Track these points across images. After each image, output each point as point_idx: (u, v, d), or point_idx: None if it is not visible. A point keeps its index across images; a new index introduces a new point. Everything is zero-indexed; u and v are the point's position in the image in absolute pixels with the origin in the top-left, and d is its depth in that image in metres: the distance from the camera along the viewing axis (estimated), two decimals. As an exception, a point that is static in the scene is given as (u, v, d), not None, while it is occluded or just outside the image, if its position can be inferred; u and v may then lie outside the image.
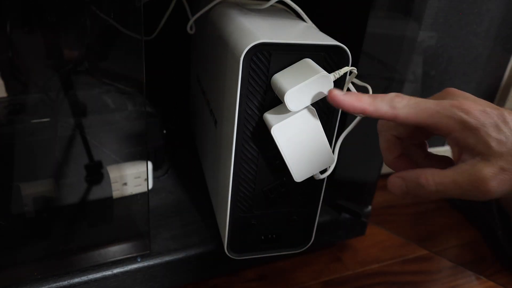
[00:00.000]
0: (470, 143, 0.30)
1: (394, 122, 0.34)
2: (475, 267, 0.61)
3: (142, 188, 0.52)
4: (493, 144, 0.30)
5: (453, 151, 0.32)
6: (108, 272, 0.44)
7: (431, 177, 0.32)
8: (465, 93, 0.33)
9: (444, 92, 0.34)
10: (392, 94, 0.33)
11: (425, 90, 0.75)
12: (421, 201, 0.75)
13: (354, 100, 0.33)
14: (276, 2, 0.46)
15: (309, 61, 0.36)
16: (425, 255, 0.62)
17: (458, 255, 0.63)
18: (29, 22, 0.41)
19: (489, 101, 0.32)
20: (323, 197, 0.46)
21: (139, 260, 0.46)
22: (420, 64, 0.72)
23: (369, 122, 0.37)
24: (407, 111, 0.32)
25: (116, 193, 0.51)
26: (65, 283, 0.43)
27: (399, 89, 0.50)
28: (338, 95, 0.33)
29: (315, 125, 0.37)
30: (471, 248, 0.65)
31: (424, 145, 0.37)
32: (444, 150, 0.80)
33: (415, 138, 0.36)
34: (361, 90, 0.38)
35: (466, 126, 0.30)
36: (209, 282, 0.52)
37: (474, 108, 0.31)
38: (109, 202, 0.50)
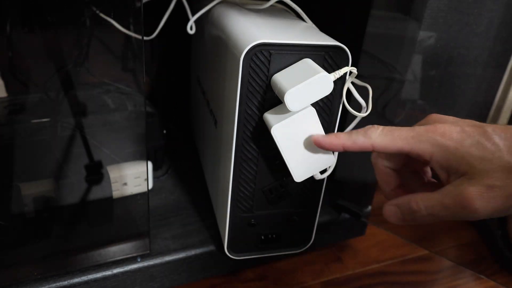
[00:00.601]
0: (453, 165, 0.31)
1: (373, 151, 0.35)
2: (475, 267, 0.61)
3: (142, 188, 0.52)
4: (476, 162, 0.30)
5: (440, 175, 0.32)
6: (108, 272, 0.44)
7: (420, 201, 0.32)
8: (447, 117, 0.33)
9: (426, 119, 0.34)
10: (367, 126, 0.34)
11: (425, 90, 0.75)
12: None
13: (333, 139, 0.35)
14: (276, 2, 0.46)
15: (309, 61, 0.36)
16: (425, 255, 0.62)
17: (458, 255, 0.63)
18: (29, 22, 0.42)
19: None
20: (323, 197, 0.46)
21: (139, 260, 0.46)
22: (420, 64, 0.72)
23: (369, 122, 0.37)
24: (381, 140, 0.33)
25: (116, 193, 0.51)
26: (65, 283, 0.43)
27: (399, 89, 0.50)
28: (319, 138, 0.36)
29: (315, 125, 0.37)
30: (471, 248, 0.65)
31: (424, 173, 0.37)
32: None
33: (410, 166, 0.37)
34: (361, 90, 0.38)
35: (444, 149, 0.31)
36: (209, 282, 0.52)
37: (450, 130, 0.31)
38: (109, 202, 0.50)
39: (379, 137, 0.33)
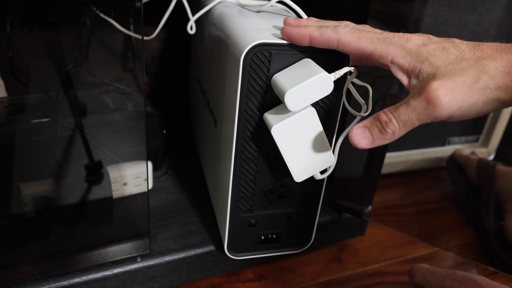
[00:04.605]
0: (415, 66, 0.31)
1: (338, 48, 0.35)
2: (476, 266, 0.61)
3: (142, 188, 0.52)
4: (440, 64, 0.30)
5: (401, 80, 0.33)
6: (108, 272, 0.44)
7: (388, 111, 0.32)
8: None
9: None
10: (339, 22, 0.35)
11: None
12: (422, 201, 0.75)
13: (301, 28, 0.35)
14: (276, 2, 0.46)
15: (309, 61, 0.36)
16: (425, 255, 0.62)
17: (458, 255, 0.63)
18: (29, 22, 0.42)
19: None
20: (323, 197, 0.47)
21: (139, 260, 0.46)
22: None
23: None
24: (347, 36, 0.33)
25: (116, 193, 0.51)
26: (65, 283, 0.43)
27: (399, 88, 0.50)
28: (287, 29, 0.35)
29: (315, 125, 0.37)
30: (472, 248, 0.65)
31: None
32: (444, 150, 0.80)
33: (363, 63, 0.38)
34: (361, 89, 0.38)
35: (407, 51, 0.31)
36: (209, 282, 0.52)
37: (417, 37, 0.32)
38: (109, 202, 0.50)
39: (346, 33, 0.33)
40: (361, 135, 0.33)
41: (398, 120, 0.31)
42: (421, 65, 0.31)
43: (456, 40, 0.32)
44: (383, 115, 0.32)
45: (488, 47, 0.31)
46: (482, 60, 0.30)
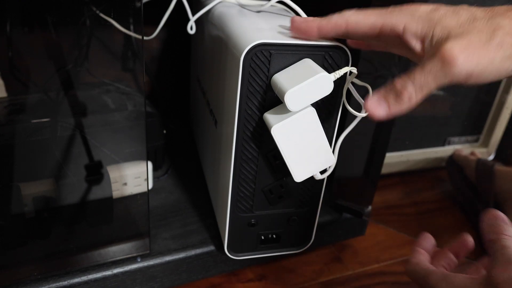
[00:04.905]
0: (429, 30, 0.31)
1: (347, 31, 0.34)
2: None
3: (142, 188, 0.52)
4: (453, 25, 0.30)
5: (415, 47, 0.32)
6: (108, 272, 0.44)
7: (403, 78, 0.31)
8: None
9: None
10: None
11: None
12: (422, 201, 0.75)
13: (309, 22, 0.36)
14: (276, 2, 0.46)
15: (309, 61, 0.36)
16: (425, 255, 0.62)
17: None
18: (29, 22, 0.42)
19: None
20: (323, 197, 0.46)
21: (139, 260, 0.46)
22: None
23: (369, 122, 0.37)
24: (355, 16, 0.34)
25: (116, 193, 0.51)
26: (65, 283, 0.43)
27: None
28: (295, 22, 0.36)
29: (315, 125, 0.37)
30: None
31: None
32: (444, 150, 0.80)
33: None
34: (361, 89, 0.38)
35: (418, 16, 0.31)
36: (209, 282, 0.52)
37: (425, 5, 0.32)
38: (109, 202, 0.50)
39: (353, 15, 0.34)
40: (376, 104, 0.32)
41: (414, 84, 0.30)
42: (433, 29, 0.30)
43: (466, 5, 0.31)
44: (398, 81, 0.31)
45: (499, 8, 0.30)
46: (495, 18, 0.29)
